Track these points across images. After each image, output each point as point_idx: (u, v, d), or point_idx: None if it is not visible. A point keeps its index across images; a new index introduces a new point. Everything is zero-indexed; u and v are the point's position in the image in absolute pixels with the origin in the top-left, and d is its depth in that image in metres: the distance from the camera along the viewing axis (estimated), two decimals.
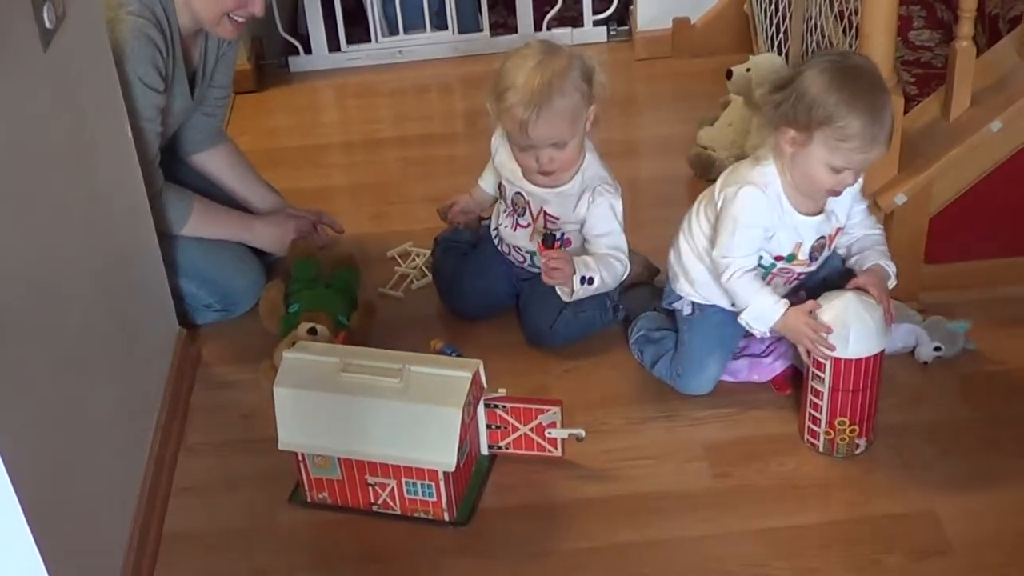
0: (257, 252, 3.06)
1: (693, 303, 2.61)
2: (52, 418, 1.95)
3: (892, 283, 2.48)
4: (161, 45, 2.71)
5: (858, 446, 2.44)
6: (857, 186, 2.47)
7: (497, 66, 2.62)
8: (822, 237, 2.48)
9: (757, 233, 2.44)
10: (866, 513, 2.33)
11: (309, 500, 2.41)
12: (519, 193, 2.74)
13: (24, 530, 1.77)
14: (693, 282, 2.58)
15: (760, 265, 2.49)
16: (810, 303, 2.40)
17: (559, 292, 2.66)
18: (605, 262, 2.65)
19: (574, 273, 2.60)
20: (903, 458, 2.44)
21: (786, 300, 2.44)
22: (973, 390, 2.60)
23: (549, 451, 2.45)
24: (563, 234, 2.69)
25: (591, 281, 2.63)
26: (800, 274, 2.54)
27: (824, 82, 2.28)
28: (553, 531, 2.34)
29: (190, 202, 2.90)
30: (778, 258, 2.48)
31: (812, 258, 2.50)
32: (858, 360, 2.34)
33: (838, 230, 2.51)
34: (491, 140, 2.80)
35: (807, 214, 2.44)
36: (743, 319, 2.47)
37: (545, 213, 2.71)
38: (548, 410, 2.39)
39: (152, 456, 2.44)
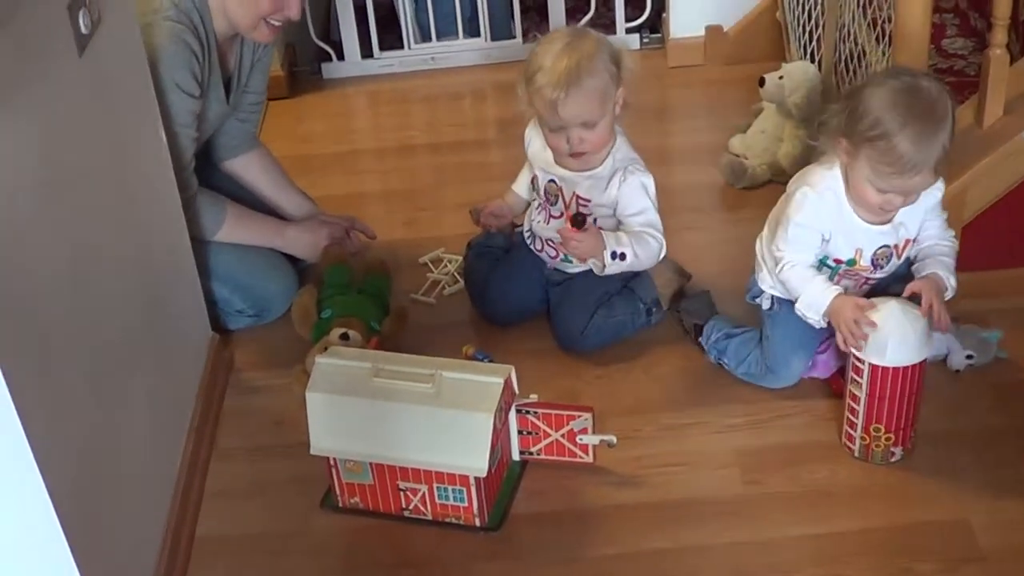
0: (290, 258, 3.07)
1: (773, 297, 2.60)
2: (85, 421, 1.97)
3: (949, 295, 2.45)
4: (198, 51, 2.73)
5: (893, 454, 2.43)
6: (934, 200, 2.45)
7: (528, 52, 2.66)
8: (886, 246, 2.46)
9: (810, 234, 2.43)
10: (898, 521, 2.32)
11: (341, 505, 2.42)
12: (552, 180, 2.76)
13: (57, 532, 1.78)
14: (772, 272, 2.58)
15: (826, 266, 2.48)
16: (863, 299, 2.38)
17: (592, 266, 2.70)
18: (639, 238, 2.67)
19: (604, 248, 2.63)
20: (936, 466, 2.42)
21: (839, 288, 2.43)
22: (1005, 398, 2.59)
23: (580, 457, 2.44)
24: (595, 219, 2.69)
25: (623, 257, 2.64)
26: (868, 279, 2.53)
27: (880, 99, 2.26)
28: (584, 537, 2.34)
29: (224, 208, 2.91)
30: (837, 261, 2.47)
31: (876, 265, 2.49)
32: (895, 369, 2.32)
33: (907, 242, 2.48)
34: (524, 133, 2.83)
35: (870, 222, 2.42)
36: (798, 309, 2.47)
37: (577, 196, 2.72)
38: (580, 416, 2.39)
39: (185, 460, 2.46)
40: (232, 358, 2.88)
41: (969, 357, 2.62)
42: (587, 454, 2.44)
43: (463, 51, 4.42)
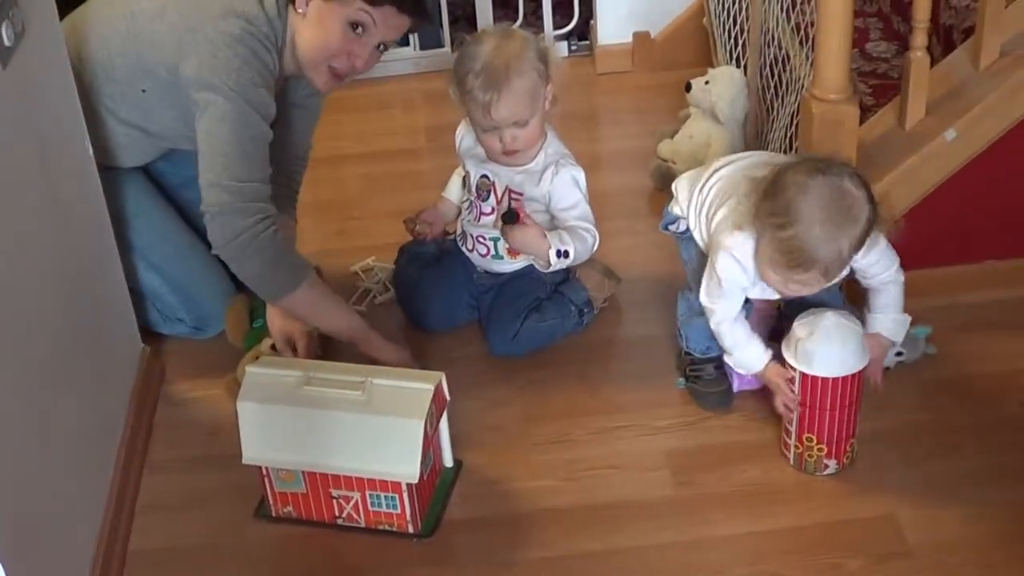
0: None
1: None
2: (14, 436, 1.95)
3: (895, 349, 2.54)
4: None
5: (826, 466, 2.43)
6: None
7: (457, 54, 2.70)
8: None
9: (736, 290, 2.42)
10: (827, 518, 2.35)
11: (274, 514, 2.41)
12: (485, 176, 2.78)
13: None
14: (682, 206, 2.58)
15: None
16: (789, 372, 2.38)
17: (536, 264, 2.72)
18: (576, 234, 2.69)
19: (549, 247, 2.62)
20: (864, 463, 2.46)
21: (770, 351, 2.44)
22: (933, 394, 2.63)
23: None
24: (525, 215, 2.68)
25: (566, 255, 2.65)
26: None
27: (797, 190, 2.19)
28: (516, 541, 2.35)
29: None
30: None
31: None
32: (824, 379, 2.33)
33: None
34: (455, 132, 2.85)
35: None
36: (728, 360, 2.50)
37: (510, 190, 2.75)
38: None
39: (116, 474, 2.44)
40: (163, 369, 2.86)
41: (899, 354, 2.65)
42: None
43: (392, 60, 4.39)
